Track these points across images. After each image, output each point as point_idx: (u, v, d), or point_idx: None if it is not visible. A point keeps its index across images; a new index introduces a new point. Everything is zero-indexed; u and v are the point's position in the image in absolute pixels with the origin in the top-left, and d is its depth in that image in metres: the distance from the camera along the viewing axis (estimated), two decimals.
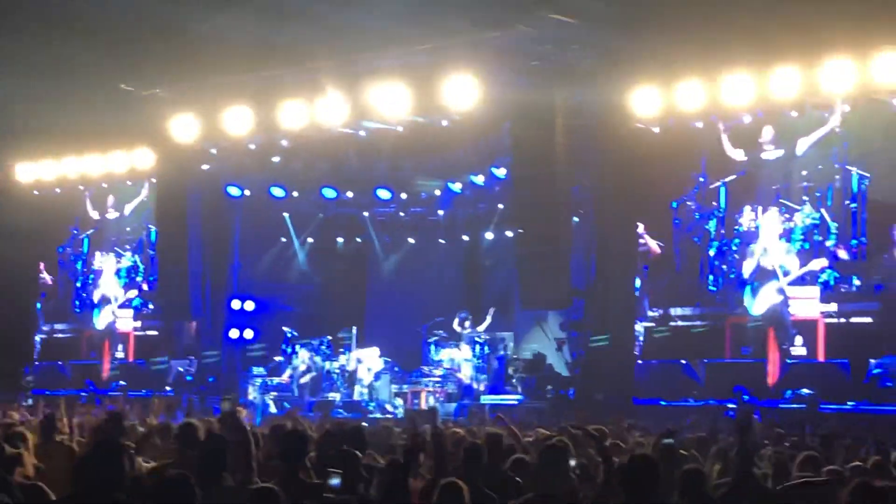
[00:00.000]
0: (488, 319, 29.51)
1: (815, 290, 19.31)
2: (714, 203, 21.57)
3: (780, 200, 20.31)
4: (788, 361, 19.41)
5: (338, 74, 26.22)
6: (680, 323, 21.71)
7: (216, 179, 31.29)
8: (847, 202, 19.35)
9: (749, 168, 21.06)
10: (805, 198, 19.89)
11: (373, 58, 25.74)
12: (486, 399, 27.84)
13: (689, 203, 21.92)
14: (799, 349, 19.27)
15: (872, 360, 17.83)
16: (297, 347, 30.51)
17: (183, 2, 25.62)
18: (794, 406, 18.08)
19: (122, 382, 31.69)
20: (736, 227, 21.12)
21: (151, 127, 29.64)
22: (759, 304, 20.20)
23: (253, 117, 27.50)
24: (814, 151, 19.88)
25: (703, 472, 8.78)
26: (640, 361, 21.37)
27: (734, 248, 21.36)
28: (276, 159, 29.89)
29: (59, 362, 33.95)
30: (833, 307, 19.18)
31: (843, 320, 19.01)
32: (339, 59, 25.92)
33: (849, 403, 17.46)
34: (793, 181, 20.30)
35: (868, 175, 18.99)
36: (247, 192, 32.03)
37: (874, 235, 19.12)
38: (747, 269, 20.96)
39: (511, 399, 27.47)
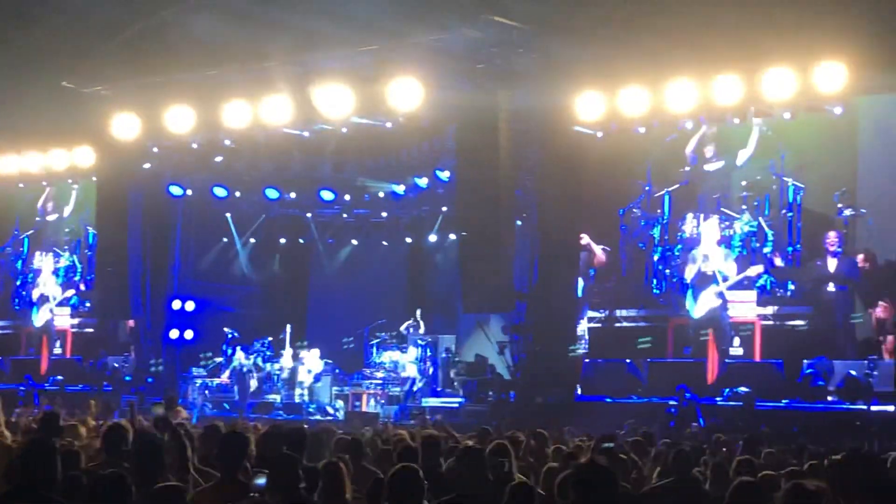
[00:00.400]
0: (418, 323, 29.55)
1: (752, 295, 20.18)
2: (658, 211, 22.30)
3: (721, 209, 21.14)
4: (727, 361, 20.06)
5: (282, 75, 26.10)
6: (625, 324, 22.34)
7: (158, 178, 31.06)
8: (783, 211, 20.39)
9: (692, 178, 21.80)
10: (744, 207, 20.80)
11: (317, 59, 25.65)
12: (428, 402, 27.86)
13: (635, 210, 22.61)
14: (736, 350, 20.05)
15: (805, 361, 18.67)
16: (238, 348, 30.38)
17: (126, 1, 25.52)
18: (732, 403, 18.72)
19: (59, 377, 31.37)
20: (679, 234, 21.88)
21: (93, 125, 29.36)
22: (699, 307, 20.95)
23: (195, 116, 27.32)
24: (753, 163, 20.73)
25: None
26: (586, 360, 21.95)
27: (677, 253, 22.13)
28: (218, 159, 29.73)
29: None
30: (769, 310, 20.09)
31: (778, 323, 19.99)
32: (283, 59, 25.80)
33: (783, 401, 18.25)
34: (733, 191, 21.15)
35: (803, 186, 20.01)
36: (189, 192, 31.82)
37: (808, 243, 20.19)
38: (689, 273, 21.68)
39: (452, 402, 27.49)
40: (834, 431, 16.91)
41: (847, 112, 21.14)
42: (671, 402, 18.91)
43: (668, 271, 22.07)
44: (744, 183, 20.52)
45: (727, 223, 21.04)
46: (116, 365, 31.53)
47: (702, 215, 21.39)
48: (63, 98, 28.61)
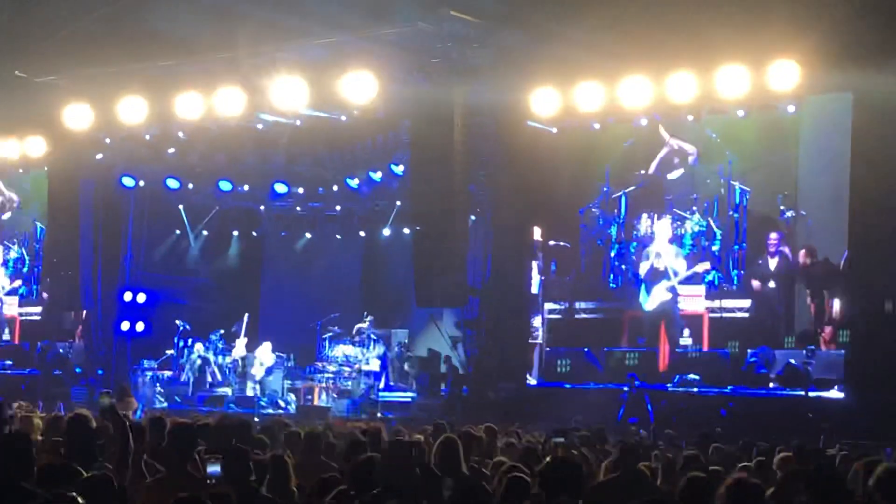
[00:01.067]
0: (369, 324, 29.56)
1: (701, 289, 21.77)
2: (616, 210, 23.52)
3: (673, 209, 22.57)
4: (677, 350, 21.61)
5: (235, 67, 25.96)
6: (583, 315, 23.49)
7: (110, 169, 30.88)
8: (731, 213, 21.94)
9: (647, 181, 23.04)
10: (694, 208, 22.30)
11: (271, 51, 25.48)
12: (380, 396, 27.86)
13: (594, 210, 23.77)
14: (686, 339, 21.56)
15: (749, 350, 20.16)
16: (189, 341, 30.25)
17: None
18: (681, 389, 20.12)
19: (8, 362, 31.75)
20: (634, 232, 23.22)
21: (45, 115, 29.04)
22: (652, 300, 22.26)
23: (148, 108, 27.11)
24: (702, 168, 22.20)
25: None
26: (547, 349, 23.08)
27: (632, 250, 23.42)
28: (171, 150, 29.57)
29: None
30: (716, 304, 21.52)
31: (724, 315, 21.39)
32: (237, 51, 25.64)
33: (728, 388, 19.69)
34: (684, 193, 22.56)
35: (748, 189, 21.57)
36: (141, 183, 31.64)
37: (752, 242, 21.67)
38: (643, 269, 22.96)
39: (405, 396, 27.51)
40: (775, 416, 18.42)
41: (790, 116, 22.53)
42: (624, 389, 20.17)
43: (623, 267, 23.30)
44: (693, 185, 22.20)
45: (679, 223, 22.38)
46: (61, 350, 31.54)
47: (656, 215, 22.72)
48: (15, 87, 28.33)
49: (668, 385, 20.73)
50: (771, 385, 19.46)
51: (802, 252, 21.31)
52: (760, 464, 11.39)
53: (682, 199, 22.62)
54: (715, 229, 22.10)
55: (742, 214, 21.80)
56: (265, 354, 29.32)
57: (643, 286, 22.50)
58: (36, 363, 31.16)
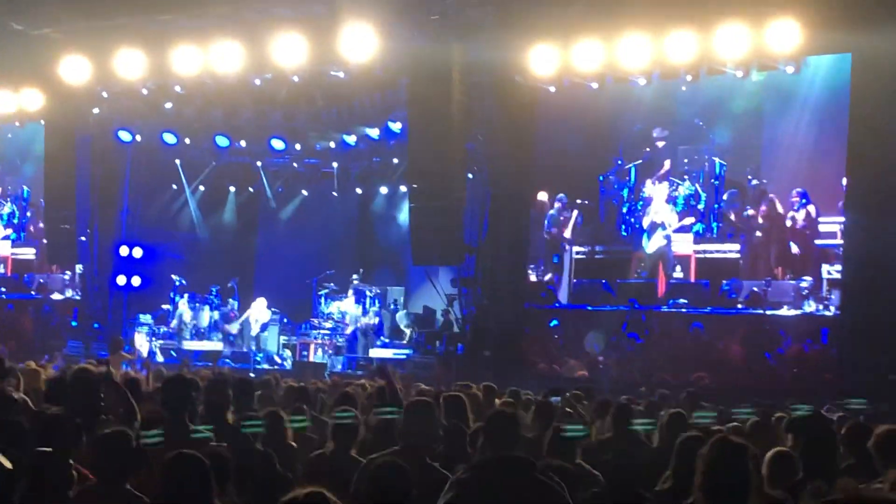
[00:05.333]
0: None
1: (689, 237, 26.33)
2: (626, 178, 27.39)
3: (670, 177, 26.74)
4: (671, 282, 25.98)
5: (233, 21, 25.87)
6: (601, 256, 27.81)
7: (107, 123, 30.79)
8: (712, 180, 26.36)
9: (651, 155, 27.08)
10: (686, 176, 26.62)
11: (270, 6, 25.42)
12: (375, 353, 27.93)
13: (610, 178, 27.62)
14: (678, 273, 26.13)
15: (724, 281, 24.78)
16: (186, 296, 30.30)
17: None
18: (673, 310, 24.90)
19: (2, 289, 33.49)
20: (640, 194, 27.14)
21: (42, 68, 28.93)
22: (651, 244, 26.61)
23: (146, 62, 26.97)
24: (692, 147, 26.73)
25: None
26: (574, 280, 27.39)
27: (639, 208, 27.26)
28: (168, 105, 29.46)
29: None
30: (700, 247, 26.18)
31: (706, 255, 26.11)
32: (235, 5, 25.56)
33: (707, 308, 24.39)
34: (677, 165, 26.75)
35: (725, 164, 26.15)
36: (138, 138, 31.55)
37: (729, 202, 26.19)
38: (645, 222, 26.94)
39: (400, 353, 27.58)
40: (739, 326, 24.00)
41: (760, 90, 25.37)
42: (625, 310, 25.20)
43: (632, 220, 27.38)
44: (685, 160, 26.75)
45: (674, 187, 26.70)
46: (42, 280, 32.61)
47: (657, 182, 26.87)
48: (12, 40, 28.22)
49: (663, 307, 25.27)
50: (739, 306, 24.27)
51: (763, 208, 25.31)
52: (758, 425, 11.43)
53: (676, 170, 26.92)
54: (700, 193, 26.50)
55: (721, 182, 26.35)
56: (260, 310, 29.37)
57: (645, 234, 26.85)
58: (31, 317, 31.39)
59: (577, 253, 27.92)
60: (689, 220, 26.48)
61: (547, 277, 27.95)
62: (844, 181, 23.19)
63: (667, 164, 26.97)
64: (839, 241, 23.85)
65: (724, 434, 7.25)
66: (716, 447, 6.46)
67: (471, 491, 7.08)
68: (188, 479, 6.77)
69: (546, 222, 27.93)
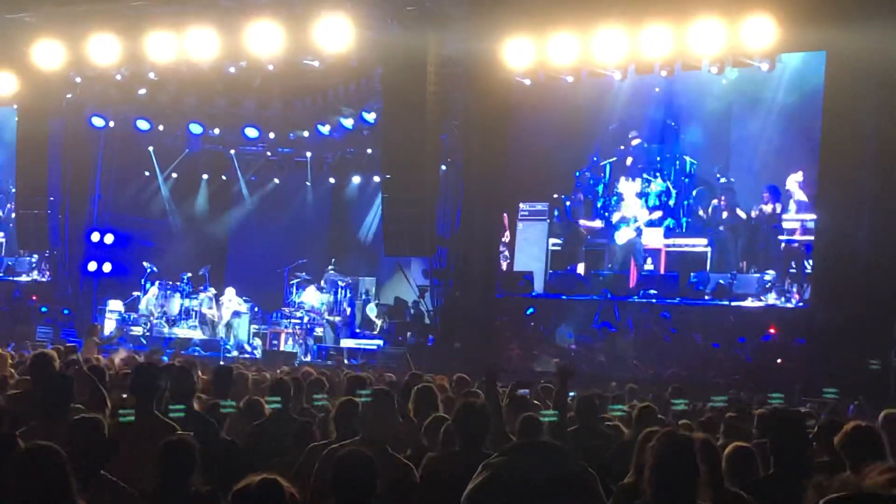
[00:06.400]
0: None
1: (660, 231, 27.01)
2: (602, 174, 28.19)
3: (643, 174, 27.48)
4: (642, 273, 26.59)
5: (209, 8, 25.79)
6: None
7: (80, 109, 30.66)
8: (683, 178, 27.28)
9: (624, 152, 27.88)
10: (657, 174, 27.38)
11: None
12: (346, 343, 27.93)
13: (586, 174, 28.28)
14: (648, 266, 26.82)
15: (692, 274, 25.46)
16: (157, 283, 30.21)
17: None
18: (644, 300, 25.33)
19: None
20: (614, 189, 27.81)
21: (15, 52, 28.76)
22: (620, 237, 27.16)
23: (120, 47, 26.84)
24: (665, 147, 27.62)
25: (538, 419, 8.89)
26: (550, 271, 27.85)
27: (613, 202, 27.91)
28: (142, 91, 29.39)
29: None
30: (670, 241, 26.91)
31: (675, 249, 26.84)
32: None
33: (676, 300, 24.92)
34: (650, 162, 27.58)
35: (695, 162, 27.08)
36: (111, 124, 31.45)
37: (698, 198, 27.12)
38: (615, 217, 27.53)
39: (370, 344, 27.59)
40: (708, 317, 24.39)
41: (730, 90, 26.10)
42: (598, 300, 25.59)
43: (606, 214, 28.04)
44: (658, 158, 27.56)
45: (646, 184, 27.45)
46: (10, 263, 32.56)
47: (630, 178, 27.50)
48: None
49: (634, 297, 25.70)
50: (706, 297, 24.79)
51: (737, 209, 25.83)
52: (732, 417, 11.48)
53: (649, 167, 27.77)
54: (671, 189, 27.30)
55: (691, 180, 27.33)
56: (230, 299, 29.32)
57: (616, 228, 27.39)
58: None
59: (553, 245, 28.26)
60: (656, 215, 27.16)
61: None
62: (800, 176, 24.76)
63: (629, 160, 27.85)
64: (801, 237, 24.75)
65: (670, 428, 7.29)
66: (661, 441, 6.51)
67: (505, 473, 7.19)
68: (182, 465, 7.03)
69: None
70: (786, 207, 25.09)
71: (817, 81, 23.62)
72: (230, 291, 29.43)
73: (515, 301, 26.49)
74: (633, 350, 24.44)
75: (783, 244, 25.08)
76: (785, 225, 25.12)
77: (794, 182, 24.96)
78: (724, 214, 25.88)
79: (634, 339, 24.78)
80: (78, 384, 9.59)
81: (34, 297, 31.21)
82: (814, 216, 24.04)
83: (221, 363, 19.16)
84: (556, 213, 28.24)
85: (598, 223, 27.87)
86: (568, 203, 27.93)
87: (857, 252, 21.92)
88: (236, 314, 29.15)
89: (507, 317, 26.58)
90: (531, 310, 26.47)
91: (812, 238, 23.98)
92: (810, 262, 24.07)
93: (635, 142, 27.72)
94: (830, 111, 22.61)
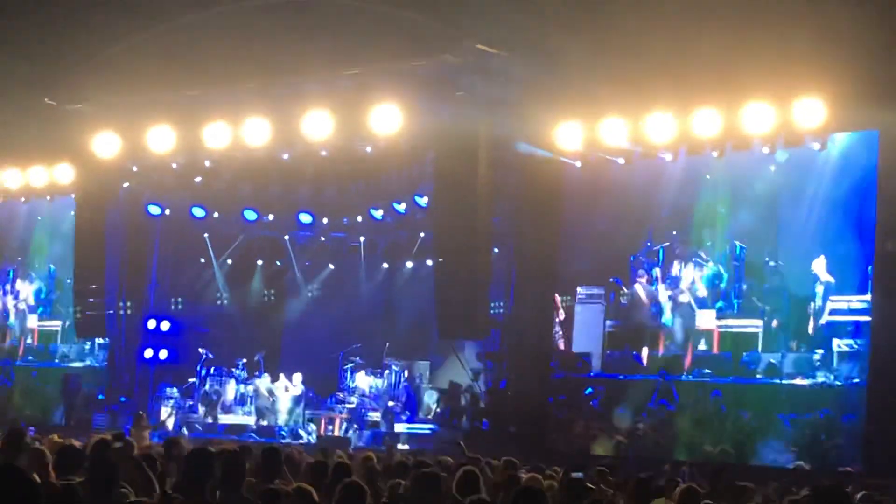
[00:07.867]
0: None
1: (712, 312, 27.10)
2: (655, 258, 28.08)
3: (695, 259, 27.59)
4: (696, 353, 26.75)
5: (262, 97, 26.12)
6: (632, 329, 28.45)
7: (137, 197, 31.03)
8: (734, 262, 27.25)
9: (677, 237, 27.88)
10: (709, 258, 27.51)
11: (298, 82, 25.66)
12: (400, 427, 27.82)
13: (641, 258, 28.13)
14: (703, 346, 26.93)
15: (745, 353, 25.90)
16: (212, 370, 30.30)
17: (109, 18, 25.48)
18: (697, 379, 26.14)
19: (30, 357, 34.12)
20: (668, 273, 27.95)
21: (73, 142, 29.28)
22: (678, 320, 27.41)
23: (176, 136, 27.27)
24: (711, 230, 27.58)
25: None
26: (608, 351, 27.75)
27: (666, 286, 28.07)
28: (198, 179, 29.73)
29: None
30: (723, 322, 26.90)
31: (729, 330, 26.83)
32: (264, 81, 25.82)
33: (729, 378, 25.64)
34: (703, 248, 27.59)
35: (745, 246, 26.89)
36: (167, 211, 31.78)
37: (748, 281, 27.14)
38: (670, 299, 27.68)
39: (425, 428, 27.46)
40: (759, 394, 25.10)
41: (778, 173, 25.71)
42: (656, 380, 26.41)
43: (660, 297, 28.16)
44: (709, 243, 27.66)
45: (699, 268, 27.63)
46: (65, 350, 32.95)
47: (684, 262, 27.74)
48: (44, 115, 28.57)
49: (689, 376, 26.26)
50: (757, 376, 25.56)
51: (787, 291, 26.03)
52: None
53: (701, 251, 27.99)
54: (723, 273, 27.44)
55: (741, 264, 27.30)
56: (295, 385, 29.37)
57: (672, 311, 27.74)
58: (60, 392, 31.61)
59: (610, 326, 28.36)
60: (710, 297, 27.46)
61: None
62: (823, 260, 24.87)
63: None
64: (849, 317, 24.86)
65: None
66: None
67: None
68: None
69: None
70: (813, 290, 25.38)
71: (866, 163, 23.68)
72: (297, 378, 29.51)
73: (574, 381, 26.49)
74: (689, 427, 24.42)
75: (831, 324, 25.15)
76: (833, 306, 25.24)
77: (819, 266, 25.17)
78: (773, 297, 26.10)
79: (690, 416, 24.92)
80: (126, 470, 9.62)
81: (92, 386, 31.50)
82: (861, 297, 24.26)
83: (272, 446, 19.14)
84: (611, 296, 28.32)
85: (652, 304, 27.85)
86: (624, 289, 27.96)
87: None
88: (295, 399, 29.16)
89: (564, 397, 26.54)
90: (589, 390, 26.55)
91: (855, 318, 24.37)
92: (857, 341, 24.39)
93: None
94: (886, 190, 22.54)
